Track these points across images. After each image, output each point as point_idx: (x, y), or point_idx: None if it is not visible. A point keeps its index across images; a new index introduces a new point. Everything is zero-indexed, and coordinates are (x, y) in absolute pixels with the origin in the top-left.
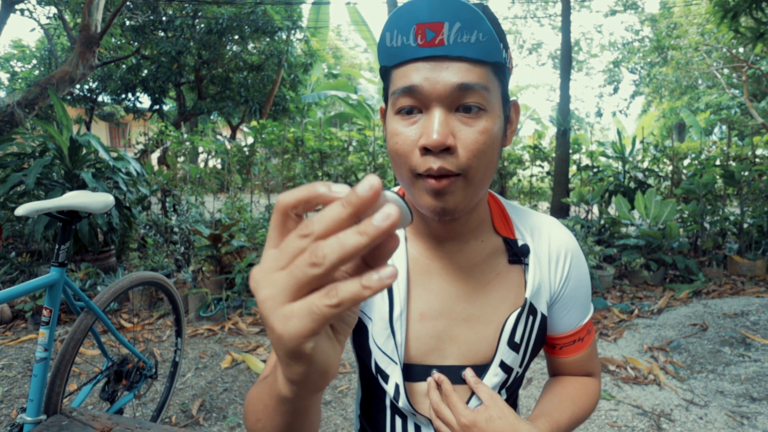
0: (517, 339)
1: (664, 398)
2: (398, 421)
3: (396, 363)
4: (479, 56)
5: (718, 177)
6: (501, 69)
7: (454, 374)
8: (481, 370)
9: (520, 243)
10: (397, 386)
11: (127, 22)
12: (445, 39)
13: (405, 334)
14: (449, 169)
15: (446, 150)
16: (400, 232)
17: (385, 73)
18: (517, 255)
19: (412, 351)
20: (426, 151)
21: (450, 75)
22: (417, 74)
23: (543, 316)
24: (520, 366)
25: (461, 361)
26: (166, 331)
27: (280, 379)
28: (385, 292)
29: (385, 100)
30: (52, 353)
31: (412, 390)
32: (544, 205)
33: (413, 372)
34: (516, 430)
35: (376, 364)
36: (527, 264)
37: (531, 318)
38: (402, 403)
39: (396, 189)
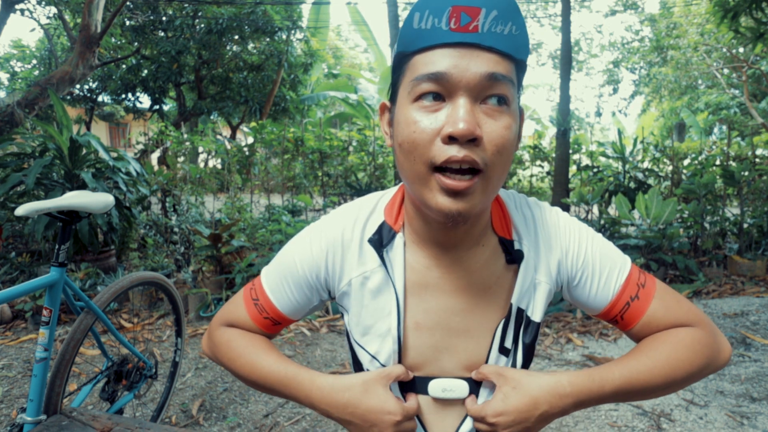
0: (507, 344)
1: (664, 398)
2: None
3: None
4: (509, 50)
5: (718, 177)
6: (523, 69)
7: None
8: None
9: (516, 246)
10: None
11: (127, 22)
12: (479, 26)
13: (400, 345)
14: (475, 160)
15: (472, 141)
16: (399, 239)
17: (402, 60)
18: (513, 256)
19: (408, 361)
20: (451, 140)
21: (480, 64)
22: (445, 60)
23: (533, 322)
24: None
25: (460, 371)
26: (166, 331)
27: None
28: (385, 305)
29: (393, 91)
30: (52, 353)
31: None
32: None
33: (408, 383)
34: (532, 396)
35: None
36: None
37: (519, 322)
38: None
39: (394, 190)
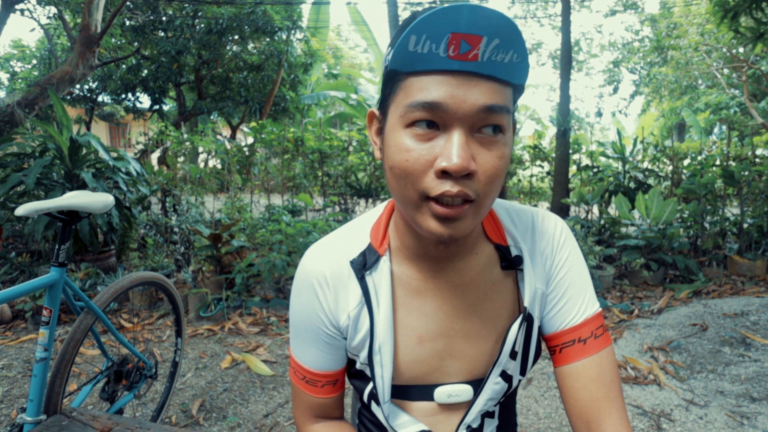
0: (517, 348)
1: (664, 398)
2: None
3: (382, 399)
4: (508, 78)
5: (718, 177)
6: (520, 91)
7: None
8: (480, 382)
9: (513, 252)
10: (386, 418)
11: (127, 22)
12: (479, 54)
13: (393, 365)
14: (468, 194)
15: (466, 175)
16: (384, 262)
17: (395, 78)
18: (510, 262)
19: (414, 373)
20: (444, 174)
21: (478, 95)
22: (441, 89)
23: (539, 326)
24: (521, 373)
25: (463, 377)
26: (166, 331)
27: None
28: (367, 328)
29: (383, 105)
30: (52, 353)
31: (413, 408)
32: (544, 205)
33: (413, 392)
34: None
35: (368, 391)
36: (521, 270)
37: (527, 325)
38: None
39: (384, 204)
